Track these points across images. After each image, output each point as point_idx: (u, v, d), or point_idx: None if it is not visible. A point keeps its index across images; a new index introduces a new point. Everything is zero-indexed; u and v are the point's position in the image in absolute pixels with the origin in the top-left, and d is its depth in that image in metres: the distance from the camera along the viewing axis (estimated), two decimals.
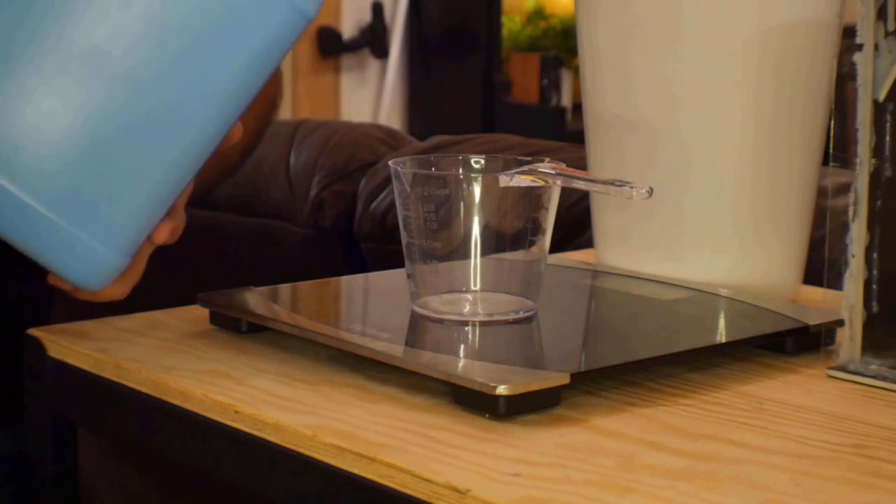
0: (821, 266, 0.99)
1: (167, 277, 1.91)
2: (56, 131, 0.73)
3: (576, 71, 4.63)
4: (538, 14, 5.12)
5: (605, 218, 1.00)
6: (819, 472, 0.65)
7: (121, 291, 0.82)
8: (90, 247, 0.74)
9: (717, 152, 0.94)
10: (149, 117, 0.74)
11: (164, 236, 0.79)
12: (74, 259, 0.75)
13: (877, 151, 0.78)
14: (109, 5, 0.73)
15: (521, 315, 0.83)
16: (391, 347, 0.77)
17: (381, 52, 4.30)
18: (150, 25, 0.74)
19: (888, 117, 0.77)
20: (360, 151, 1.75)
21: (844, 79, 0.87)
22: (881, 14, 0.77)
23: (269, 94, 1.07)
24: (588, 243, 1.10)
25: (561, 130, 4.53)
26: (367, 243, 1.67)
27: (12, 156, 0.72)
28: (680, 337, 0.85)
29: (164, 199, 0.77)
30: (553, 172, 0.81)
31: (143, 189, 0.76)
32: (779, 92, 0.93)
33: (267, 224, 1.78)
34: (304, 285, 0.94)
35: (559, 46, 4.97)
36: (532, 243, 0.82)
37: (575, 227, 1.38)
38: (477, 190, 0.81)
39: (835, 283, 0.86)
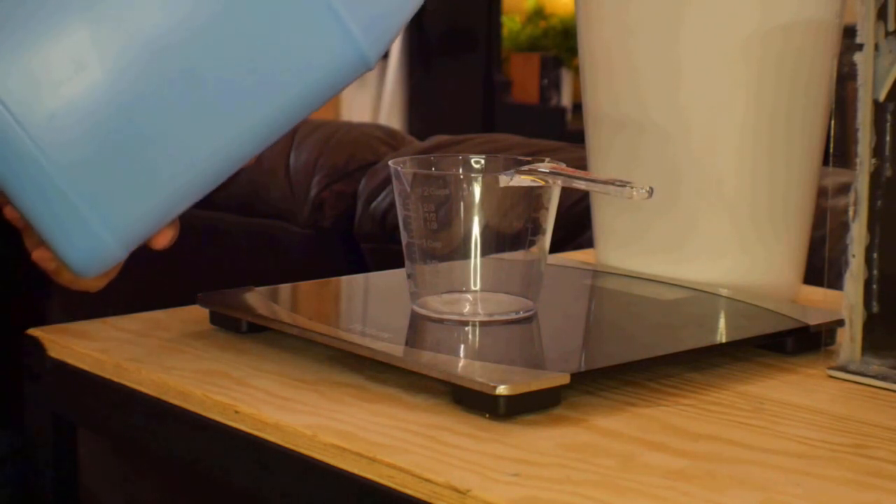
0: (821, 266, 0.99)
1: (167, 277, 1.92)
2: (95, 110, 0.73)
3: (576, 71, 4.63)
4: (538, 14, 5.12)
5: (605, 218, 1.00)
6: (819, 472, 0.65)
7: (100, 284, 0.81)
8: (97, 232, 0.74)
9: (718, 152, 0.94)
10: (191, 121, 0.74)
11: (163, 242, 0.79)
12: (78, 240, 0.74)
13: (877, 151, 0.78)
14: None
15: (521, 315, 0.83)
16: (391, 347, 0.77)
17: None
18: (216, 28, 0.74)
19: (888, 117, 0.78)
20: (360, 151, 1.75)
21: (844, 79, 0.87)
22: (881, 14, 0.77)
23: None
24: (588, 243, 1.10)
25: (561, 130, 4.54)
26: (367, 243, 1.67)
27: (45, 122, 0.72)
28: (680, 337, 0.85)
29: (179, 205, 0.77)
30: (553, 172, 0.81)
31: (164, 191, 0.76)
32: (779, 92, 0.93)
33: (267, 224, 1.78)
34: (304, 285, 0.94)
35: (559, 46, 4.97)
36: (532, 243, 0.82)
37: (575, 227, 1.38)
38: (477, 190, 0.81)
39: (835, 283, 0.86)
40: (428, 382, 0.75)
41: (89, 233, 0.74)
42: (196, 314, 0.90)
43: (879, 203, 0.78)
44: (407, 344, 0.81)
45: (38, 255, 0.79)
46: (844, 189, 0.83)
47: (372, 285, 0.99)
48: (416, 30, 4.42)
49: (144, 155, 0.74)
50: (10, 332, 0.95)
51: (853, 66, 0.78)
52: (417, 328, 0.83)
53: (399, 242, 0.84)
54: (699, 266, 0.95)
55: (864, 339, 0.79)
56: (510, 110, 4.61)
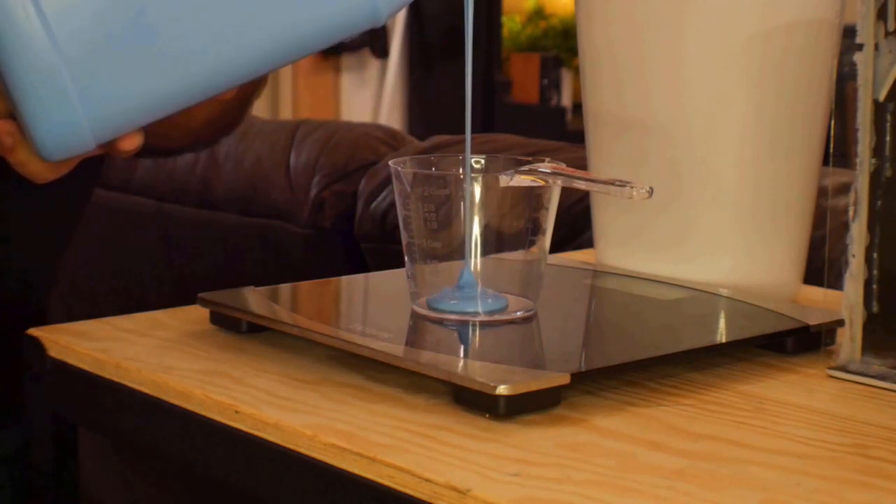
0: (821, 266, 1.00)
1: (167, 277, 1.92)
2: None
3: (576, 71, 4.62)
4: (538, 14, 5.12)
5: (606, 218, 1.00)
6: (819, 472, 0.65)
7: (48, 175, 0.80)
8: (76, 114, 0.73)
9: (718, 152, 0.94)
10: (199, 23, 0.74)
11: (130, 146, 0.77)
12: (55, 116, 0.73)
13: (877, 151, 0.78)
14: None
15: (521, 315, 0.83)
16: (391, 347, 0.77)
17: (381, 52, 4.30)
18: None
19: (888, 117, 0.78)
20: (360, 151, 1.75)
21: (844, 79, 0.87)
22: (881, 14, 0.77)
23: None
24: (588, 243, 1.10)
25: (561, 130, 4.54)
26: (367, 243, 1.67)
27: None
28: (680, 337, 0.85)
29: (160, 108, 0.76)
30: (553, 172, 0.81)
31: (152, 88, 0.75)
32: (779, 92, 0.93)
33: (267, 224, 1.78)
34: (304, 285, 0.94)
35: (559, 46, 4.97)
36: (532, 243, 0.82)
37: (575, 227, 1.38)
38: (477, 190, 0.81)
39: (835, 283, 0.86)
40: (428, 382, 0.75)
41: (68, 113, 0.73)
42: (196, 314, 0.90)
43: (879, 203, 0.78)
44: (407, 344, 0.81)
45: None
46: (844, 189, 0.83)
47: (372, 285, 0.99)
48: (416, 30, 4.42)
49: (144, 47, 0.74)
50: (10, 332, 0.95)
51: (853, 66, 0.78)
52: (417, 328, 0.83)
53: (399, 242, 0.84)
54: (699, 266, 0.95)
55: (864, 339, 0.79)
56: (510, 110, 4.61)
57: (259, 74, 0.78)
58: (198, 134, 1.05)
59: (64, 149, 0.75)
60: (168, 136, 1.01)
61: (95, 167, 1.12)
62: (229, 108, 1.05)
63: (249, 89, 1.07)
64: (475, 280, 0.82)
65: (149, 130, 0.81)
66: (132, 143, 0.78)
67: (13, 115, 0.76)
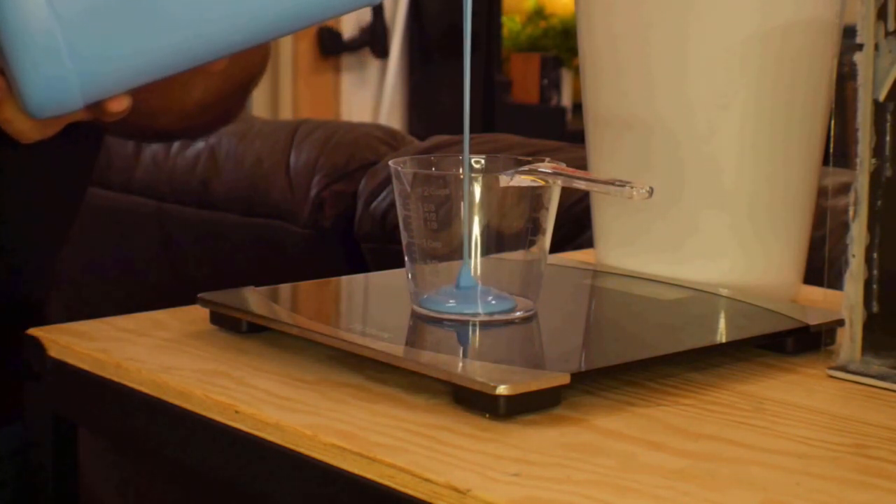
0: (821, 266, 0.99)
1: (167, 277, 1.92)
2: None
3: (576, 71, 4.62)
4: (538, 14, 5.12)
5: (605, 218, 1.00)
6: (819, 472, 0.65)
7: (36, 133, 0.80)
8: (66, 71, 0.73)
9: (718, 152, 0.94)
10: None
11: (118, 107, 0.77)
12: (45, 71, 0.73)
13: (877, 151, 0.78)
14: None
15: (521, 315, 0.83)
16: (391, 347, 0.77)
17: (381, 52, 4.30)
18: None
19: (888, 117, 0.77)
20: (360, 151, 1.75)
21: (844, 79, 0.87)
22: (881, 14, 0.77)
23: (249, 71, 1.06)
24: (588, 243, 1.10)
25: (561, 130, 4.53)
26: (367, 243, 1.67)
27: None
28: (680, 337, 0.85)
29: (151, 71, 0.76)
30: (553, 172, 0.81)
31: (141, 51, 0.75)
32: (779, 92, 0.93)
33: (267, 224, 1.78)
34: (304, 285, 0.94)
35: (559, 46, 4.97)
36: (532, 243, 0.82)
37: (575, 227, 1.38)
38: (477, 190, 0.81)
39: (835, 283, 0.86)
40: (428, 382, 0.75)
41: (58, 69, 0.73)
42: (196, 314, 0.90)
43: (879, 203, 0.78)
44: (407, 344, 0.81)
45: None
46: (844, 189, 0.83)
47: (372, 285, 0.99)
48: (416, 30, 4.42)
49: (138, 7, 0.73)
50: (10, 332, 0.95)
51: (853, 66, 0.78)
52: (417, 328, 0.83)
53: (399, 242, 0.84)
54: (699, 266, 0.95)
55: (864, 339, 0.79)
56: (510, 110, 4.61)
57: (254, 43, 0.78)
58: (191, 117, 1.04)
59: (52, 105, 0.75)
60: (160, 114, 1.00)
61: (91, 159, 1.12)
62: (224, 95, 1.04)
63: (246, 78, 1.07)
64: (475, 280, 0.82)
65: (141, 108, 0.81)
66: (120, 104, 0.77)
67: (1, 71, 0.76)
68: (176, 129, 1.07)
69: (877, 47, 0.77)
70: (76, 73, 0.74)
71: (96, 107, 0.77)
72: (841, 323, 0.81)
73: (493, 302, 0.82)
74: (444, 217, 0.81)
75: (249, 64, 1.05)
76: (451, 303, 0.82)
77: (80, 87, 0.74)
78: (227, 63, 0.81)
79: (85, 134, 1.08)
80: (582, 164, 0.98)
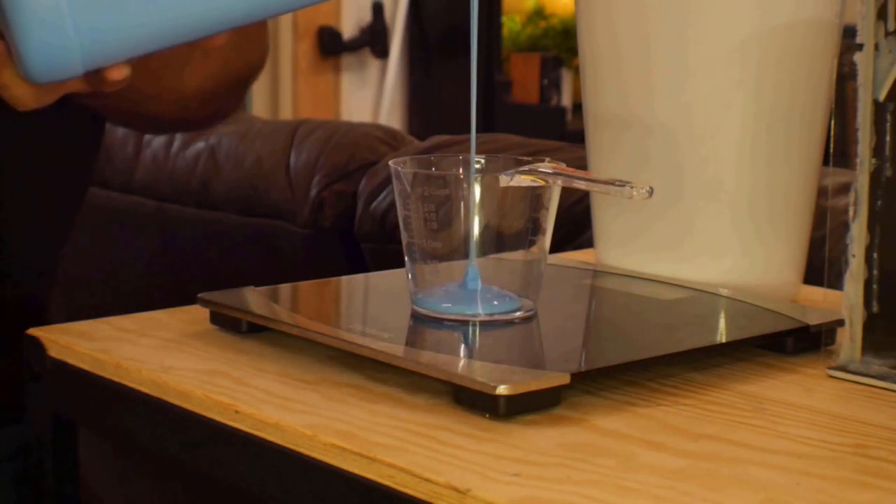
0: (821, 266, 0.99)
1: (167, 277, 1.92)
2: None
3: (576, 71, 4.62)
4: (538, 14, 5.11)
5: (605, 218, 1.00)
6: (819, 472, 0.65)
7: (32, 101, 0.79)
8: (68, 35, 0.73)
9: (718, 152, 0.94)
10: None
11: (118, 76, 0.77)
12: (45, 36, 0.73)
13: (877, 151, 0.78)
14: None
15: (521, 315, 0.83)
16: (391, 347, 0.77)
17: (381, 52, 4.30)
18: None
19: (888, 117, 0.77)
20: (360, 151, 1.75)
21: (844, 79, 0.87)
22: (881, 14, 0.77)
23: (250, 60, 1.06)
24: (588, 243, 1.10)
25: (561, 130, 4.53)
26: (367, 243, 1.67)
27: None
28: (680, 337, 0.85)
29: (153, 40, 0.76)
30: (553, 172, 0.81)
31: (144, 20, 0.75)
32: (779, 92, 0.93)
33: (267, 224, 1.78)
34: (304, 285, 0.94)
35: (559, 46, 4.97)
36: (532, 243, 0.82)
37: (575, 227, 1.38)
38: (477, 190, 0.81)
39: (835, 283, 0.86)
40: (428, 382, 0.75)
41: (60, 34, 0.73)
42: (196, 314, 0.90)
43: (879, 203, 0.78)
44: (407, 344, 0.81)
45: None
46: (844, 189, 0.83)
47: (372, 285, 0.99)
48: (417, 30, 4.42)
49: None
50: (10, 332, 0.95)
51: (853, 66, 0.78)
52: (417, 328, 0.83)
53: (399, 242, 0.84)
54: (699, 266, 0.95)
55: (864, 339, 0.79)
56: (510, 110, 4.60)
57: (256, 18, 0.77)
58: (189, 106, 1.04)
59: (52, 71, 0.74)
60: (157, 99, 1.00)
61: (91, 157, 1.12)
62: (223, 85, 1.04)
63: (244, 70, 1.06)
64: (480, 280, 0.82)
65: (139, 91, 0.80)
66: (119, 73, 0.77)
67: (1, 35, 0.75)
68: (173, 118, 1.06)
69: (877, 47, 0.77)
70: (77, 39, 0.73)
71: (95, 76, 0.77)
72: (841, 323, 0.81)
73: (498, 302, 0.82)
74: (444, 217, 0.81)
75: (248, 55, 1.05)
76: (451, 303, 0.82)
77: (80, 54, 0.74)
78: (227, 47, 0.80)
79: (85, 130, 1.08)
80: (582, 164, 0.98)
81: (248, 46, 1.05)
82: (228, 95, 1.07)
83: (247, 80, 1.07)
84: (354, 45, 4.24)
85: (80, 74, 0.75)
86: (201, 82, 1.01)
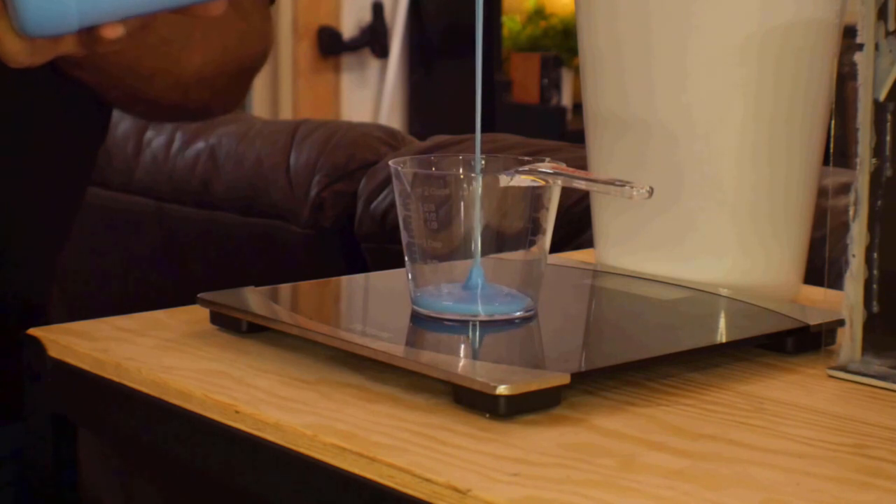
0: (821, 266, 0.99)
1: (167, 277, 1.92)
2: None
3: (576, 71, 4.62)
4: (538, 14, 5.11)
5: (605, 218, 1.00)
6: (819, 472, 0.65)
7: (25, 57, 0.78)
8: None
9: (718, 152, 0.94)
10: None
11: (113, 34, 0.77)
12: None
13: (877, 151, 0.78)
14: None
15: (521, 315, 0.83)
16: (391, 347, 0.77)
17: (381, 52, 4.30)
18: None
19: (888, 117, 0.77)
20: (360, 151, 1.75)
21: (844, 79, 0.87)
22: (881, 14, 0.77)
23: (250, 52, 1.06)
24: (588, 243, 1.10)
25: (561, 130, 4.53)
26: (367, 243, 1.67)
27: None
28: (680, 337, 0.85)
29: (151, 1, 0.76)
30: (553, 172, 0.81)
31: None
32: (779, 92, 0.93)
33: (267, 224, 1.78)
34: (304, 285, 0.94)
35: (559, 46, 4.97)
36: (532, 243, 0.82)
37: (575, 227, 1.38)
38: (477, 190, 0.81)
39: (835, 282, 0.86)
40: (428, 382, 0.75)
41: None
42: (196, 314, 0.90)
43: (879, 203, 0.78)
44: (407, 344, 0.81)
45: None
46: (844, 189, 0.83)
47: (372, 285, 0.99)
48: (417, 30, 4.42)
49: None
50: (10, 332, 0.95)
51: (853, 66, 0.78)
52: (417, 328, 0.83)
53: (399, 242, 0.84)
54: (699, 266, 0.95)
55: (864, 339, 0.79)
56: (510, 110, 4.61)
57: None
58: (189, 92, 1.03)
59: (47, 24, 0.74)
60: (156, 78, 1.00)
61: (91, 154, 1.12)
62: (222, 72, 1.04)
63: (245, 59, 1.06)
64: (483, 280, 0.82)
65: (139, 69, 0.80)
66: (114, 31, 0.77)
67: None
68: (172, 104, 1.06)
69: (877, 47, 0.77)
70: None
71: (90, 35, 0.77)
72: (841, 323, 0.81)
73: (498, 302, 0.82)
74: (445, 217, 0.81)
75: (249, 43, 1.05)
76: (451, 303, 0.82)
77: (77, 9, 0.73)
78: (228, 35, 0.80)
79: (90, 117, 1.08)
80: (582, 164, 0.98)
81: (249, 35, 1.05)
82: (229, 85, 1.06)
83: (248, 69, 1.07)
84: (354, 45, 4.24)
85: (75, 30, 0.75)
86: (200, 66, 1.00)
